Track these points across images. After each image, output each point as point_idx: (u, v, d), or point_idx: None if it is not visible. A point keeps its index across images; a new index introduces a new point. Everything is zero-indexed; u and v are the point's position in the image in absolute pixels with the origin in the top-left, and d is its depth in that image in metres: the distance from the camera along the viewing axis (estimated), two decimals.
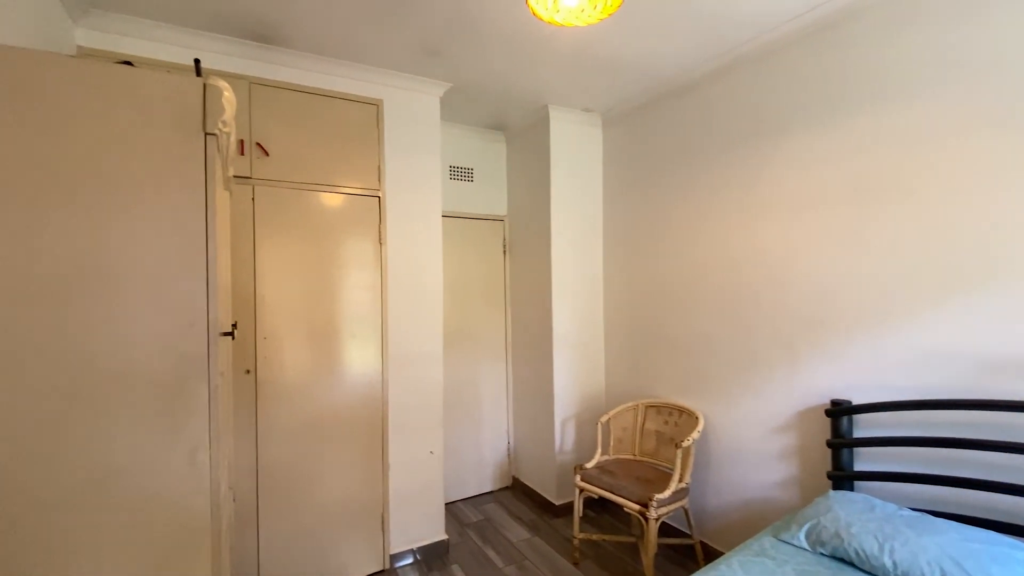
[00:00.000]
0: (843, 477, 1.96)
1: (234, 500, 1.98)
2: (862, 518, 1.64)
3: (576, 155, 3.26)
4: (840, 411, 1.98)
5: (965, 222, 1.71)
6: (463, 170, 3.51)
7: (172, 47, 2.14)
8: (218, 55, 2.24)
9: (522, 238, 3.51)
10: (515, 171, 3.60)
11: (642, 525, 2.30)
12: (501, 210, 3.68)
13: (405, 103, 2.70)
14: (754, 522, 2.37)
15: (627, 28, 2.18)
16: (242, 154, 2.28)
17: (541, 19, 1.60)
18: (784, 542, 1.73)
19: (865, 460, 1.97)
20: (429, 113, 2.78)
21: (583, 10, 1.53)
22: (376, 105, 2.61)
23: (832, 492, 1.87)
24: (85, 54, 2.01)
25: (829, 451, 2.06)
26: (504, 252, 3.69)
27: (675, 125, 2.81)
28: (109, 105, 0.97)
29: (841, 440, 1.97)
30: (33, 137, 0.91)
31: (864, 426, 1.98)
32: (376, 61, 2.49)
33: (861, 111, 1.98)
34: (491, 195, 3.64)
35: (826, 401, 2.09)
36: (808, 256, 2.17)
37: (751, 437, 2.41)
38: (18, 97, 0.90)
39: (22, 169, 0.90)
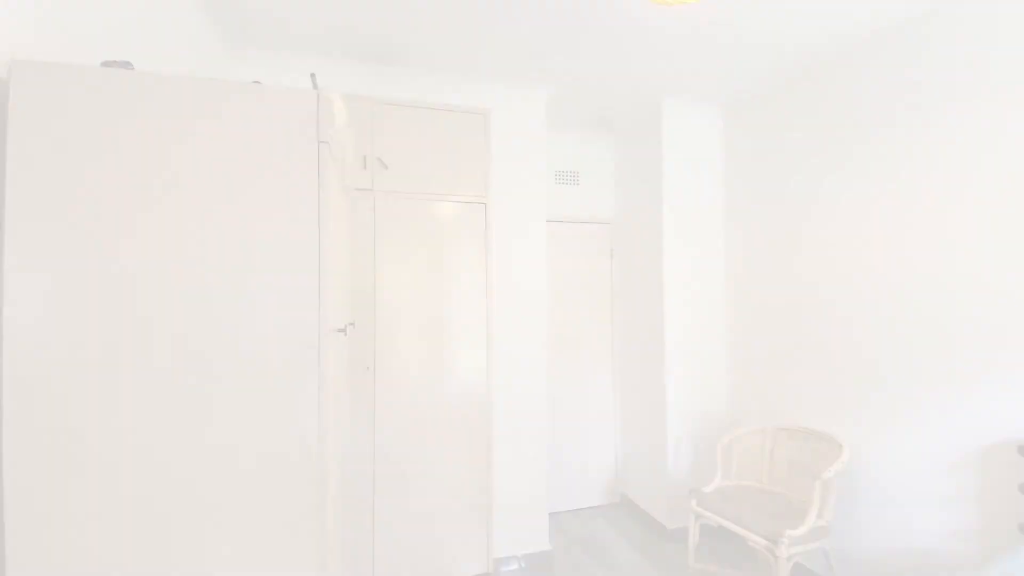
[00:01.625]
0: None
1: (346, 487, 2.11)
2: None
3: (692, 150, 3.04)
4: None
5: None
6: (568, 174, 3.46)
7: (309, 76, 2.40)
8: (347, 78, 2.46)
9: (630, 242, 3.35)
10: (623, 172, 3.46)
11: (770, 563, 2.02)
12: (607, 213, 3.56)
13: (511, 111, 2.73)
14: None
15: (746, 2, 1.97)
16: (364, 168, 2.47)
17: None
18: None
19: None
20: (535, 119, 2.78)
21: None
22: (484, 115, 2.67)
23: None
24: None
25: (1023, 498, 1.63)
26: (610, 257, 3.56)
27: (811, 109, 2.49)
28: (241, 119, 1.10)
29: None
30: (184, 151, 1.05)
31: None
32: (484, 72, 2.56)
33: None
34: (597, 198, 3.54)
35: (1020, 437, 1.67)
36: (992, 257, 1.76)
37: (912, 474, 2.00)
38: (171, 113, 1.04)
39: (173, 179, 1.03)
